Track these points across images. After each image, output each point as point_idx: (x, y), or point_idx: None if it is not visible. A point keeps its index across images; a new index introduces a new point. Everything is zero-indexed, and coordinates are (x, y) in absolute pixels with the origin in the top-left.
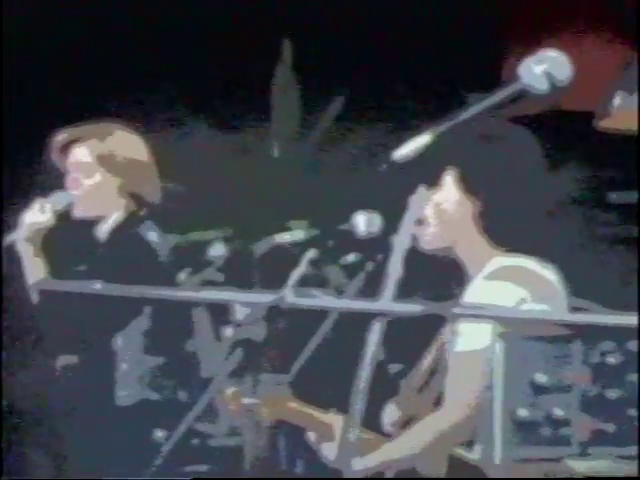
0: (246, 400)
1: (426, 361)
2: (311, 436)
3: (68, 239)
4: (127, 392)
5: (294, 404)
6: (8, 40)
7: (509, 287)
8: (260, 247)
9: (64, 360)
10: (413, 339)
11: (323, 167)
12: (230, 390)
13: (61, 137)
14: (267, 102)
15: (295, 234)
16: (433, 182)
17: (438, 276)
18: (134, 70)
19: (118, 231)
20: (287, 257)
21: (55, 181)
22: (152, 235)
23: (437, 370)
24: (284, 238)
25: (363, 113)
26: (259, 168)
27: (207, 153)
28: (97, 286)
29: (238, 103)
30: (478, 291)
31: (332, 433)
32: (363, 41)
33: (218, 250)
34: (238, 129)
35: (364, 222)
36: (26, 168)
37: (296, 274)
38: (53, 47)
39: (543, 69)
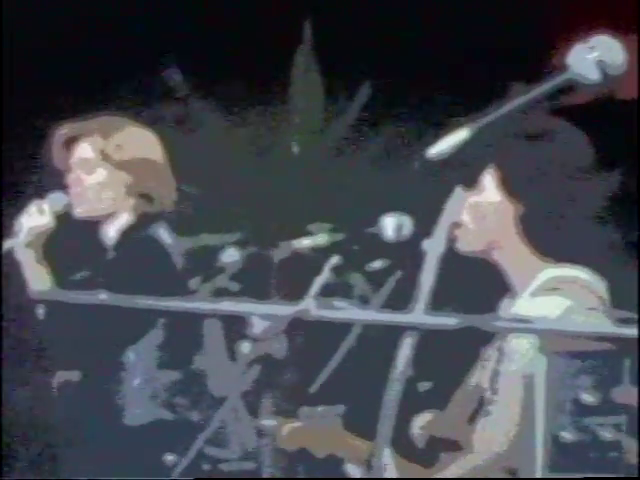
0: (265, 422)
1: (472, 383)
2: (351, 469)
3: (71, 243)
4: (138, 411)
5: (345, 437)
6: (7, 34)
7: (557, 300)
8: (278, 253)
9: (68, 376)
10: (443, 355)
11: (348, 164)
12: (286, 428)
13: (63, 132)
14: (285, 91)
15: (317, 238)
16: (471, 182)
17: (474, 285)
18: (140, 60)
19: (127, 234)
20: (308, 264)
21: (52, 180)
22: (165, 239)
23: (486, 395)
24: (304, 243)
25: (393, 104)
26: (276, 165)
27: (219, 149)
28: (104, 297)
29: (253, 93)
30: (525, 304)
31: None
32: (393, 22)
33: (231, 256)
34: (253, 122)
35: (393, 225)
36: (20, 167)
37: (318, 283)
38: (55, 39)
39: (594, 57)
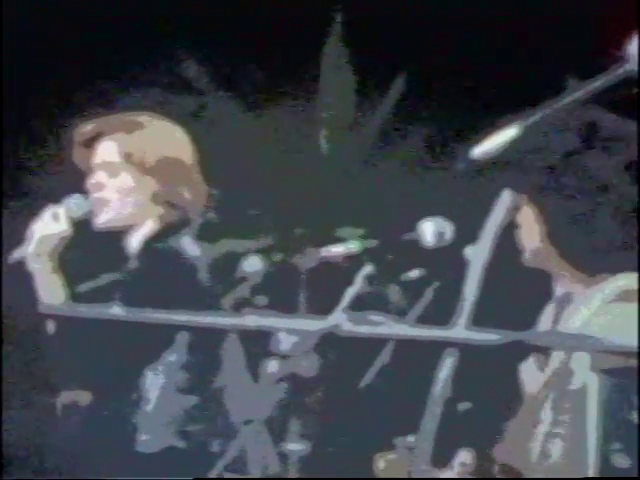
0: (292, 446)
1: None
2: None
3: (87, 252)
4: (151, 437)
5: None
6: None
7: (619, 314)
8: (305, 261)
9: (74, 397)
10: (483, 373)
11: (381, 164)
12: (382, 460)
13: (84, 130)
14: (314, 85)
15: (348, 246)
16: (521, 185)
17: (509, 296)
18: (160, 51)
19: (151, 244)
20: (338, 274)
21: (70, 183)
22: (192, 250)
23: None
24: (334, 250)
25: (430, 99)
26: (303, 165)
27: (240, 147)
28: (117, 311)
29: (278, 87)
30: (582, 318)
31: None
32: (431, 9)
33: (253, 265)
34: (279, 118)
35: (432, 231)
36: (33, 169)
37: (349, 294)
38: (70, 34)
39: None
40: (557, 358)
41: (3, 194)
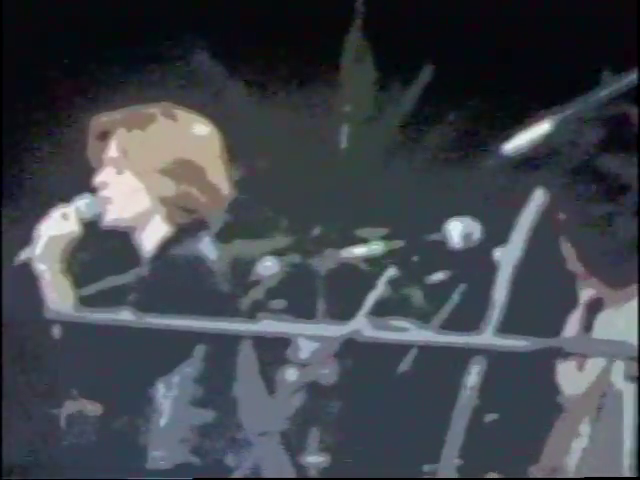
0: (311, 459)
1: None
2: None
3: (98, 254)
4: (163, 454)
5: None
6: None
7: None
8: (324, 263)
9: (80, 408)
10: (512, 382)
11: (405, 160)
12: None
13: (98, 122)
14: (333, 76)
15: (370, 247)
16: (554, 182)
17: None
18: (174, 39)
19: (165, 247)
20: (359, 277)
21: (81, 182)
22: (210, 254)
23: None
24: (355, 252)
25: (458, 91)
26: (322, 161)
27: (255, 142)
28: (128, 316)
29: (295, 78)
30: (616, 324)
31: None
32: None
33: (269, 267)
34: (295, 111)
35: (460, 231)
36: (42, 165)
37: (371, 299)
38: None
39: None
40: (596, 366)
41: (4, 193)
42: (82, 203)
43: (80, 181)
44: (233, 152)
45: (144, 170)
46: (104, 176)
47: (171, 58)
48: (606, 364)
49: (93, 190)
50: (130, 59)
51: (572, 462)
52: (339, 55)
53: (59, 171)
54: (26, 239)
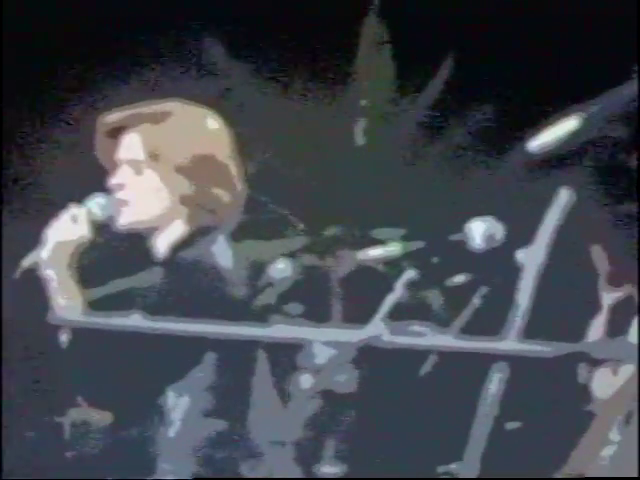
0: (327, 469)
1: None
2: None
3: (108, 257)
4: (172, 466)
5: None
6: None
7: None
8: (339, 265)
9: (85, 417)
10: (534, 389)
11: (424, 157)
12: None
13: (108, 119)
14: (349, 68)
15: (387, 248)
16: (580, 181)
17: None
18: (182, 31)
19: (179, 249)
20: (376, 279)
21: (91, 182)
22: (224, 257)
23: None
24: (372, 254)
25: (481, 84)
26: (337, 158)
27: (266, 137)
28: (138, 320)
29: (309, 69)
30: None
31: None
32: None
33: (282, 270)
34: (309, 105)
35: (482, 232)
36: (50, 167)
37: (389, 302)
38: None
39: None
40: (626, 370)
41: (9, 194)
42: (94, 204)
43: (89, 181)
44: (246, 149)
45: (165, 169)
46: (121, 177)
47: (183, 52)
48: (635, 368)
49: (105, 190)
50: (139, 54)
51: (599, 468)
52: (356, 46)
53: (67, 171)
54: (32, 242)
